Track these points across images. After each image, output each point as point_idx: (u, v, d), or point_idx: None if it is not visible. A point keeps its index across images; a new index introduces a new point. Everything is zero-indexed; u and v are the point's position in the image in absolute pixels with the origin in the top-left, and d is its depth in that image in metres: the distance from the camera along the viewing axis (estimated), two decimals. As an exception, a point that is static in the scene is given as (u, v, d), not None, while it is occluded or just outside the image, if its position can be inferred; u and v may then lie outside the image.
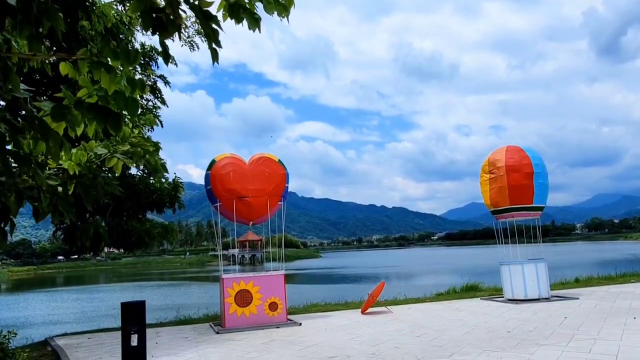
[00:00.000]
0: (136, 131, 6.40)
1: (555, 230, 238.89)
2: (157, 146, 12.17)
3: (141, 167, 11.76)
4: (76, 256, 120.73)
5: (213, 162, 11.63)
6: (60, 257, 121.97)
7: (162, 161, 12.79)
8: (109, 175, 6.23)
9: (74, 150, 5.17)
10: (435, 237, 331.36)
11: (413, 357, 7.10)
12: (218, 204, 11.42)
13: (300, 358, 7.52)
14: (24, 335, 12.47)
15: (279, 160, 11.94)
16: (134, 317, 7.68)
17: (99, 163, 5.81)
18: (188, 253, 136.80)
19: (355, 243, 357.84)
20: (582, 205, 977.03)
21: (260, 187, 11.42)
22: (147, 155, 6.13)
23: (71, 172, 4.93)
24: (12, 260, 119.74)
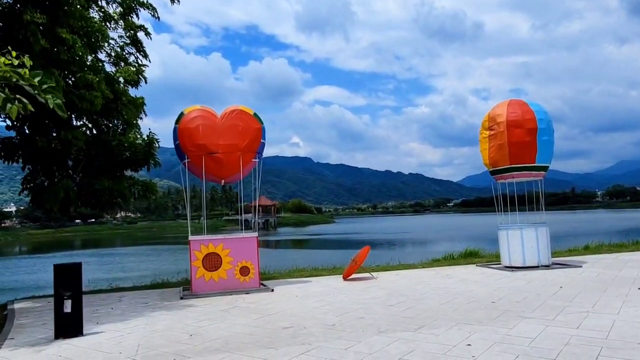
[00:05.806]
0: (1, 59, 5.32)
1: (575, 197, 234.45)
2: (138, 101, 10.91)
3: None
4: (93, 220, 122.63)
5: (182, 114, 10.63)
6: (77, 221, 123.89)
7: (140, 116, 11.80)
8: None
9: None
10: (451, 204, 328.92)
11: (375, 330, 6.24)
12: (186, 160, 10.52)
13: (252, 328, 6.73)
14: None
15: (255, 114, 10.92)
16: (67, 280, 6.92)
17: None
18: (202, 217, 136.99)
19: (370, 209, 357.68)
20: (605, 172, 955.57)
21: (232, 143, 10.45)
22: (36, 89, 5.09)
23: None
24: (31, 224, 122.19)
